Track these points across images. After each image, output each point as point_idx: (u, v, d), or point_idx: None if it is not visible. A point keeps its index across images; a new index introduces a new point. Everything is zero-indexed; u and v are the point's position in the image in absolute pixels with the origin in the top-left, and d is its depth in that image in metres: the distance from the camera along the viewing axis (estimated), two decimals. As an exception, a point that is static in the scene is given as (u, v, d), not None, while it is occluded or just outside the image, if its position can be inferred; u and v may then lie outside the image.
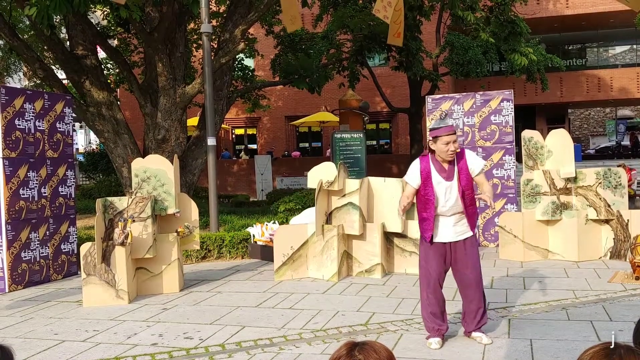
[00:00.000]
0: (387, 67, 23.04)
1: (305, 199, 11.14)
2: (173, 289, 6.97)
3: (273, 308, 6.05)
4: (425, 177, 4.65)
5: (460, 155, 4.69)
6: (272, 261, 7.67)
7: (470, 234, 4.75)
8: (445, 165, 4.66)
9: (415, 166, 4.74)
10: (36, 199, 7.82)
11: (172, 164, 7.07)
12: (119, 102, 13.44)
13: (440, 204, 4.66)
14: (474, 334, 4.79)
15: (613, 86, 29.99)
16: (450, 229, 4.69)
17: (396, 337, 4.96)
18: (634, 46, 32.77)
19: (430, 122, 9.77)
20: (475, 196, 4.78)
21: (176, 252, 7.00)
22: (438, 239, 4.71)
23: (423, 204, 4.72)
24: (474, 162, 4.73)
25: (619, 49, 33.72)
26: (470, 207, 4.71)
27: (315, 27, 19.90)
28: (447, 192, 4.64)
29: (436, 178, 4.64)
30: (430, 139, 4.64)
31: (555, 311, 5.55)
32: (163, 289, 6.96)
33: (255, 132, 29.08)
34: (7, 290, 7.34)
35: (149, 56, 12.03)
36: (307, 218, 8.47)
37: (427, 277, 4.75)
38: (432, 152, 4.70)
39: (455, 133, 4.61)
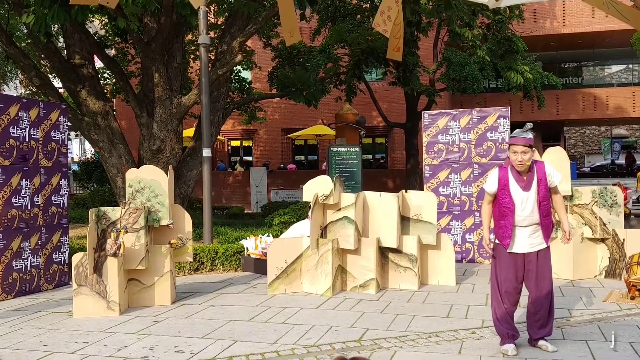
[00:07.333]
0: (384, 82, 23.11)
1: (301, 212, 11.10)
2: (165, 302, 6.89)
3: (266, 322, 5.99)
4: (503, 185, 4.84)
5: (540, 167, 4.87)
6: (266, 274, 7.61)
7: (545, 245, 4.92)
8: (524, 176, 4.83)
9: (493, 173, 4.95)
10: (29, 207, 7.76)
11: (167, 174, 7.02)
12: (114, 112, 13.40)
13: (517, 213, 4.83)
14: (540, 342, 4.98)
15: (609, 105, 30.15)
16: (526, 239, 4.88)
17: (390, 354, 4.91)
18: (630, 65, 33.00)
19: (427, 137, 9.77)
20: (561, 230, 5.06)
21: (169, 264, 6.94)
22: (513, 249, 4.90)
23: (501, 211, 4.90)
24: (554, 174, 4.91)
25: (615, 68, 33.95)
26: (545, 218, 4.87)
27: (313, 41, 19.97)
28: (523, 202, 4.82)
29: (514, 187, 4.82)
30: (507, 146, 4.90)
31: (550, 330, 5.50)
32: (155, 301, 6.88)
33: (251, 144, 29.08)
34: (-4, 299, 7.27)
35: (146, 66, 12.01)
36: (295, 232, 8.43)
37: (496, 285, 4.98)
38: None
39: (530, 146, 4.77)
